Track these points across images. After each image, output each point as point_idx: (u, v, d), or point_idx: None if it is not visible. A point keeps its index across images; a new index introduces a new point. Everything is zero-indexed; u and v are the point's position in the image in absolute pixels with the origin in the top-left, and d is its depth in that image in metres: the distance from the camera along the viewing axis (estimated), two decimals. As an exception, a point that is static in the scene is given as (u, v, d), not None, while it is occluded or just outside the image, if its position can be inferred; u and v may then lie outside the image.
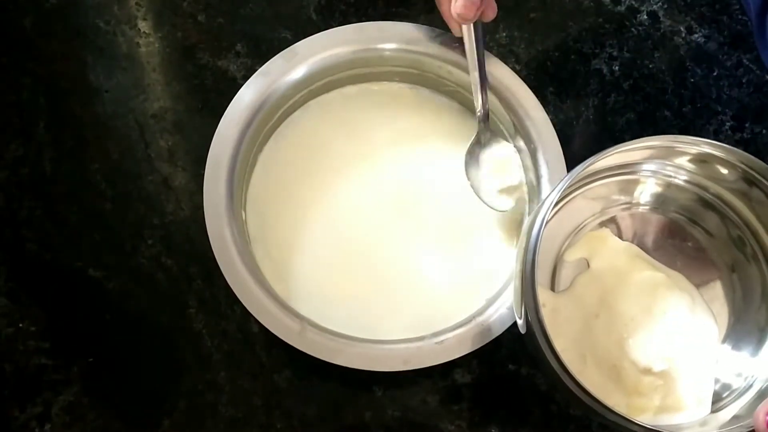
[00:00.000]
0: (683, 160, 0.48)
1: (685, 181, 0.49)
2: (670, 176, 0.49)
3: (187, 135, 0.55)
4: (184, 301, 0.51)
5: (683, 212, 0.50)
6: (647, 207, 0.51)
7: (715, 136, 0.58)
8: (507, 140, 0.52)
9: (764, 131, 0.58)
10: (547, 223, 0.41)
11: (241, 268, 0.46)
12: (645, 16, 0.61)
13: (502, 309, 0.47)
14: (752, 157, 0.44)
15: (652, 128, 0.58)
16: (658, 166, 0.49)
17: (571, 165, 0.50)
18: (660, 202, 0.50)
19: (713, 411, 0.45)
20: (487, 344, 0.47)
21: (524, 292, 0.41)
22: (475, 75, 0.49)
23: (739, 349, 0.48)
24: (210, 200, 0.48)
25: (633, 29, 0.60)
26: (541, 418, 0.51)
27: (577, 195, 0.49)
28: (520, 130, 0.51)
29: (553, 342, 0.39)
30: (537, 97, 0.52)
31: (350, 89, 0.55)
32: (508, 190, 0.51)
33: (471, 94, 0.53)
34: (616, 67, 0.59)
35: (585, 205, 0.50)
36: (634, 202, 0.51)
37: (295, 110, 0.54)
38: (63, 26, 0.58)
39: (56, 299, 0.52)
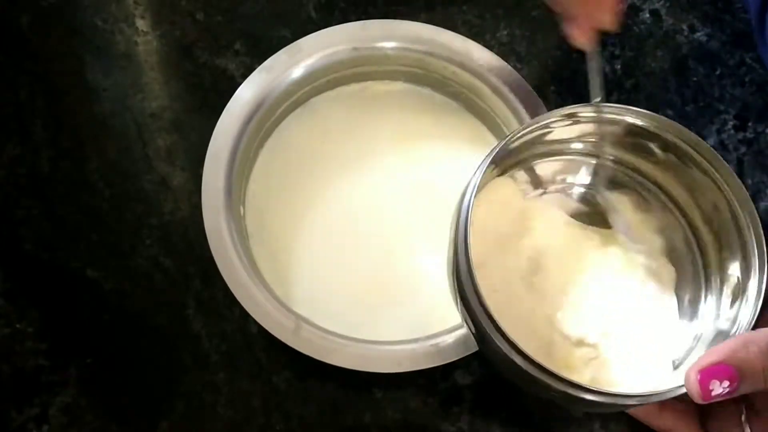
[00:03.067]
0: (607, 133, 0.47)
1: (612, 159, 0.48)
2: (596, 154, 0.48)
3: (186, 134, 0.55)
4: (183, 301, 0.51)
5: (612, 189, 0.49)
6: (582, 186, 0.50)
7: (718, 135, 0.58)
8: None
9: (767, 130, 0.58)
10: (472, 203, 0.41)
11: (236, 261, 0.46)
12: (647, 15, 0.60)
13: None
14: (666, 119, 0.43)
15: (655, 127, 0.57)
16: (584, 144, 0.48)
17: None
18: (589, 183, 0.49)
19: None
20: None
21: (459, 269, 0.41)
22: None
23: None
24: (208, 192, 0.47)
25: (635, 28, 0.60)
26: (543, 420, 0.51)
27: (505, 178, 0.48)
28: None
29: (492, 313, 0.38)
30: (539, 96, 0.51)
31: (354, 87, 0.55)
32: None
33: (475, 95, 0.52)
34: (618, 66, 0.59)
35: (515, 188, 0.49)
36: (568, 182, 0.50)
37: (297, 107, 0.54)
38: (60, 25, 0.58)
39: (53, 300, 0.51)
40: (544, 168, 0.49)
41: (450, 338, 0.46)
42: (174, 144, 0.55)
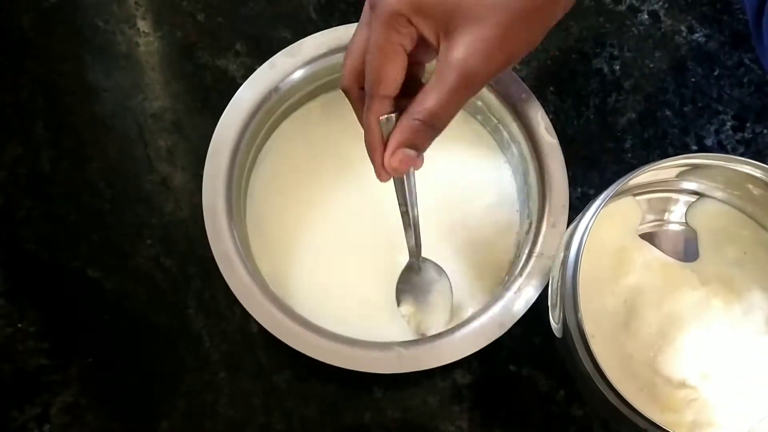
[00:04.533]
0: (715, 176, 0.48)
1: (717, 198, 0.49)
2: (702, 193, 0.50)
3: (186, 135, 0.55)
4: (183, 301, 0.51)
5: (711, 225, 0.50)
6: (679, 224, 0.50)
7: (716, 135, 0.58)
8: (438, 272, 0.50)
9: (765, 131, 0.58)
10: (589, 232, 0.41)
11: (236, 262, 0.46)
12: (646, 16, 0.61)
13: (493, 321, 0.46)
14: None
15: (653, 128, 0.58)
16: (690, 183, 0.49)
17: (572, 173, 0.50)
18: (686, 221, 0.50)
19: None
20: (487, 345, 0.46)
21: (565, 305, 0.41)
22: (406, 218, 0.45)
23: None
24: (209, 192, 0.47)
25: (634, 29, 0.60)
26: (542, 419, 0.51)
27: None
28: (529, 152, 0.51)
29: (597, 358, 0.39)
30: (537, 97, 0.51)
31: None
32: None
33: (481, 102, 0.52)
34: (617, 67, 0.59)
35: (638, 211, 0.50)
36: (665, 219, 0.50)
37: (299, 107, 0.54)
38: (62, 25, 0.58)
39: (55, 299, 0.51)
40: (642, 202, 0.50)
41: (445, 341, 0.46)
42: (175, 144, 0.55)
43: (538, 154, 0.50)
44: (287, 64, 0.51)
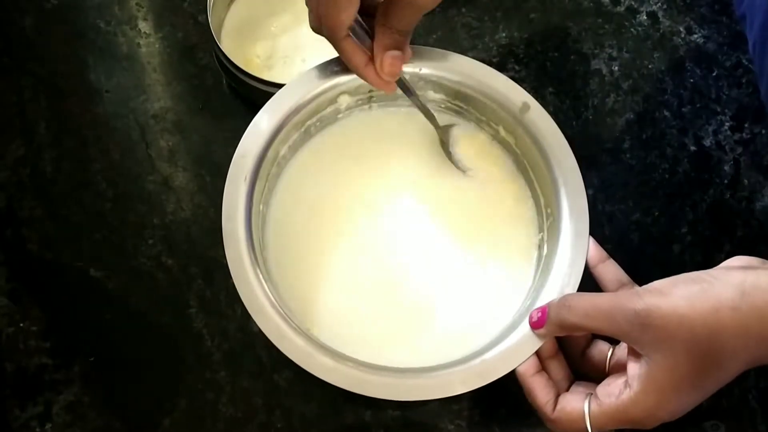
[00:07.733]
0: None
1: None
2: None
3: (188, 135, 0.56)
4: (185, 300, 0.52)
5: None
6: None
7: (715, 136, 0.58)
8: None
9: (764, 131, 0.59)
10: None
11: (259, 292, 0.44)
12: (644, 17, 0.61)
13: (500, 358, 0.44)
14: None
15: (651, 128, 0.58)
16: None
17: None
18: None
19: None
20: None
21: None
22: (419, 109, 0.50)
23: None
24: (228, 217, 0.45)
25: (632, 30, 0.61)
26: (541, 419, 0.51)
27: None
28: (538, 152, 0.50)
29: None
30: (536, 98, 0.51)
31: (377, 112, 0.53)
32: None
33: (497, 125, 0.52)
34: (616, 68, 0.59)
35: None
36: None
37: (319, 131, 0.52)
38: (64, 27, 0.58)
39: (57, 299, 0.52)
40: None
41: (447, 373, 0.44)
42: (176, 145, 0.55)
43: (548, 152, 0.49)
44: (318, 82, 0.49)
